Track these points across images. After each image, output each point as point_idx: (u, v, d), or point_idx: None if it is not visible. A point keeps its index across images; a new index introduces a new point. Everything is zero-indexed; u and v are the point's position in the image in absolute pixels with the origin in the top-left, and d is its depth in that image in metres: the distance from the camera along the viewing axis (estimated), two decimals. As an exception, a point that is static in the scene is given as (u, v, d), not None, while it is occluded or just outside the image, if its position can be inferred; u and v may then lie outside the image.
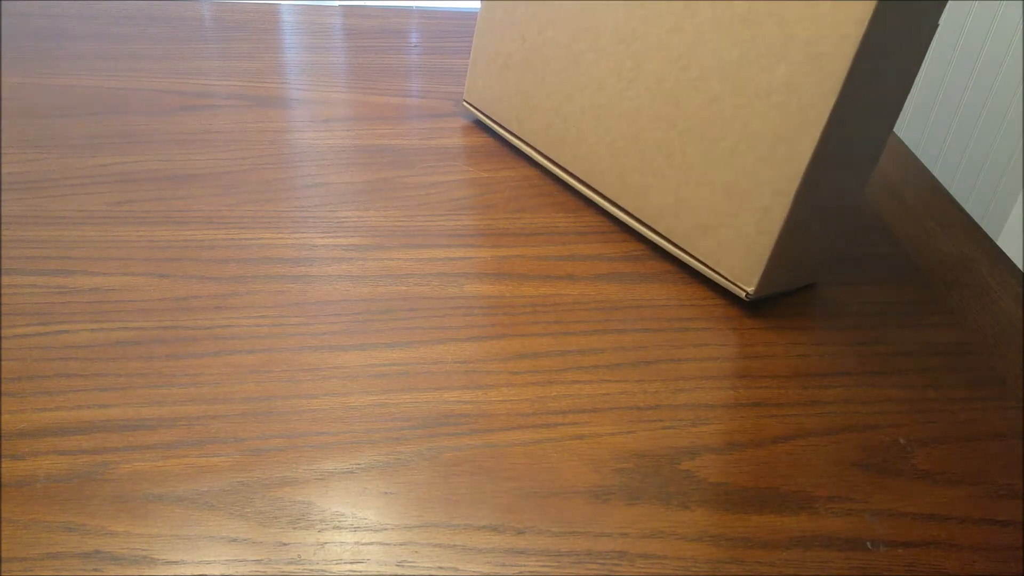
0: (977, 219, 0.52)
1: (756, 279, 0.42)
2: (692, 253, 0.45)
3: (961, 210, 0.55)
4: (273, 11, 0.79)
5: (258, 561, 0.31)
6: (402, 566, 0.31)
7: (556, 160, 0.53)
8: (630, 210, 0.48)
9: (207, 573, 0.30)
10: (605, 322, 0.43)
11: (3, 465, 0.34)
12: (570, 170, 0.52)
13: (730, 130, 0.42)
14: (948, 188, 0.56)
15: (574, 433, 0.37)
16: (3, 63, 0.65)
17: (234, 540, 0.31)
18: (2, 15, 0.73)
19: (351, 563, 0.31)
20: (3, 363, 0.38)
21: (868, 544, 0.33)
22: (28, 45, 0.69)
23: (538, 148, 0.54)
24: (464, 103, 0.61)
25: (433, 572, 0.31)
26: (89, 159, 0.54)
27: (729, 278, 0.44)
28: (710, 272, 0.45)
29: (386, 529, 0.32)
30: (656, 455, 0.36)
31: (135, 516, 0.32)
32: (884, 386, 0.40)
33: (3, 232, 0.47)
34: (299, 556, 0.31)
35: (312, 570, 0.31)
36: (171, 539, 0.31)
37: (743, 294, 0.43)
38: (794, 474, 0.35)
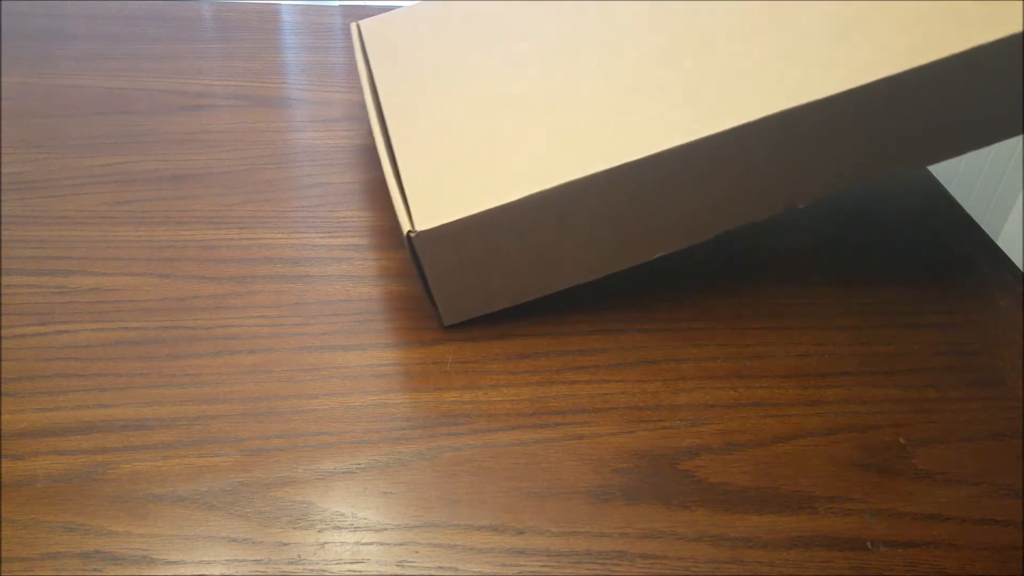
0: (977, 219, 0.52)
1: (430, 225, 0.38)
2: (401, 171, 0.42)
3: (961, 209, 0.55)
4: (273, 11, 0.79)
5: (258, 561, 0.31)
6: (402, 566, 0.31)
7: (378, 90, 0.50)
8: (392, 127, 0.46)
9: (207, 573, 0.30)
10: (605, 322, 0.43)
11: (3, 465, 0.34)
12: (384, 110, 0.48)
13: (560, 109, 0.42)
14: (948, 188, 0.56)
15: (574, 433, 0.37)
16: (3, 63, 0.65)
17: (234, 540, 0.31)
18: (2, 15, 0.73)
19: (351, 563, 0.31)
20: (3, 363, 0.38)
21: (868, 544, 0.33)
22: (28, 45, 0.69)
23: (376, 80, 0.51)
24: (354, 25, 0.58)
25: (433, 572, 0.31)
26: (89, 159, 0.54)
27: (412, 207, 0.39)
28: (397, 195, 0.40)
29: (386, 529, 0.32)
30: (656, 455, 0.36)
31: (135, 516, 0.32)
32: (884, 386, 0.40)
33: (3, 232, 0.47)
34: (299, 556, 0.31)
35: (312, 570, 0.31)
36: (171, 539, 0.31)
37: (406, 230, 0.38)
38: (794, 474, 0.35)
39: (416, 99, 0.47)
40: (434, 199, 0.39)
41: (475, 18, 0.53)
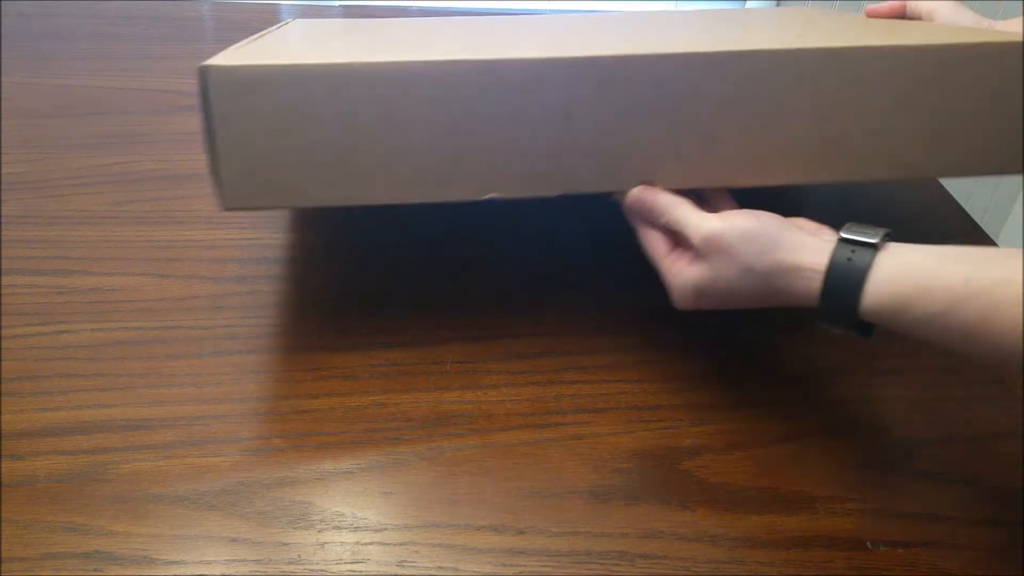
0: (977, 219, 0.52)
1: (229, 63, 0.35)
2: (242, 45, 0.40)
3: (961, 210, 0.55)
4: (273, 11, 0.79)
5: (258, 561, 0.31)
6: (402, 566, 0.31)
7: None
8: None
9: (207, 573, 0.30)
10: (605, 322, 0.43)
11: (3, 465, 0.34)
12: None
13: None
14: (948, 188, 0.56)
15: (574, 433, 0.37)
16: (3, 63, 0.65)
17: (234, 540, 0.31)
18: (2, 15, 0.73)
19: (351, 563, 0.31)
20: (3, 363, 0.38)
21: (868, 544, 0.33)
22: (28, 45, 0.69)
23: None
24: (291, 19, 0.58)
25: (433, 572, 0.31)
26: (89, 159, 0.54)
27: (222, 57, 0.36)
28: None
29: (386, 529, 0.32)
30: (656, 455, 0.36)
31: (135, 516, 0.32)
32: (885, 386, 0.40)
33: (3, 232, 0.47)
34: (299, 556, 0.31)
35: (312, 570, 0.31)
36: (171, 539, 0.31)
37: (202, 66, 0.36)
38: (794, 474, 0.35)
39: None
40: (250, 58, 0.36)
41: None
